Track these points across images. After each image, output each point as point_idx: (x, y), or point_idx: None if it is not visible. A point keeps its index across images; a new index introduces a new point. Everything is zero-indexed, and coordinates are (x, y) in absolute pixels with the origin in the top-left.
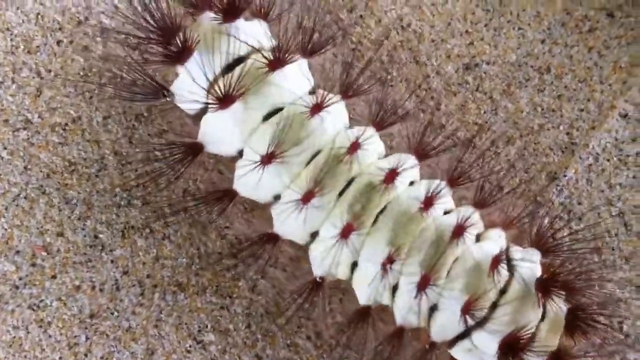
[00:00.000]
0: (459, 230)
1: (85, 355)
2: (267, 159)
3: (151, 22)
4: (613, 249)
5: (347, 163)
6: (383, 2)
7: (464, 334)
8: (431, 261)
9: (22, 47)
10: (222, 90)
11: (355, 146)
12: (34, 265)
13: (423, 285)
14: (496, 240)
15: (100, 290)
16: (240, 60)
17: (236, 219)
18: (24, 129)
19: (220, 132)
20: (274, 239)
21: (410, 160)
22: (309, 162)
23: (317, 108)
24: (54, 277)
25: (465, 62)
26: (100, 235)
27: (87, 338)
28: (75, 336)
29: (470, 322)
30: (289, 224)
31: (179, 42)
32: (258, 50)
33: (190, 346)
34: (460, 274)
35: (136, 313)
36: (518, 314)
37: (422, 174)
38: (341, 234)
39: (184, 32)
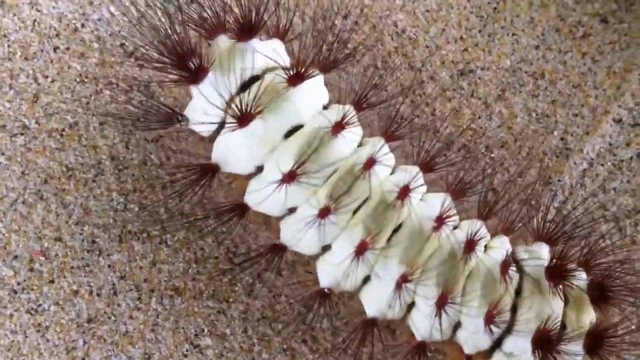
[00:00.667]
0: (470, 246)
1: (83, 359)
2: (289, 177)
3: (166, 46)
4: (607, 254)
5: (364, 179)
6: (378, 9)
7: (497, 343)
8: (446, 279)
9: (19, 53)
10: (240, 109)
11: (371, 162)
12: (32, 270)
13: (442, 303)
14: (501, 247)
15: (97, 294)
16: (256, 78)
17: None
18: (22, 134)
19: (237, 151)
20: (281, 249)
21: (420, 175)
22: (327, 179)
23: (339, 126)
24: (51, 281)
25: (460, 68)
26: (98, 240)
27: (84, 342)
28: (73, 340)
29: (497, 330)
30: (301, 237)
31: (193, 64)
32: (275, 67)
33: (187, 350)
34: (476, 288)
35: (133, 317)
36: (539, 309)
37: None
38: (356, 251)
39: (200, 53)
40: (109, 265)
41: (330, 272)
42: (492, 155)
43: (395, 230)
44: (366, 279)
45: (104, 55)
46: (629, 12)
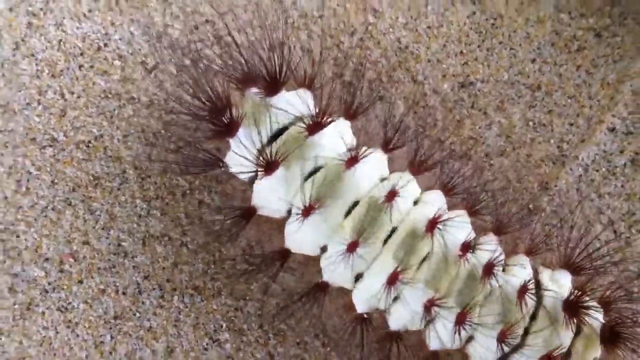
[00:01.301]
0: (488, 268)
1: (110, 353)
2: (306, 212)
3: (203, 101)
4: (603, 256)
5: (387, 212)
6: (382, 26)
7: (501, 357)
8: (466, 299)
9: (46, 71)
10: (266, 158)
11: (392, 195)
12: (62, 271)
13: (461, 321)
14: (522, 268)
15: (123, 293)
16: (285, 128)
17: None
18: (50, 146)
19: (269, 196)
20: (324, 287)
21: (445, 206)
22: (348, 213)
23: (353, 160)
24: (80, 282)
25: (460, 80)
26: (123, 243)
27: (111, 337)
28: (101, 335)
29: (506, 348)
30: (336, 272)
31: (226, 119)
32: (302, 117)
33: (207, 344)
34: (493, 308)
35: (157, 314)
36: (550, 337)
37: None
38: (388, 281)
39: (232, 109)
40: (134, 267)
41: (366, 300)
42: (492, 162)
43: (424, 259)
44: (397, 299)
45: (125, 72)
46: (621, 26)
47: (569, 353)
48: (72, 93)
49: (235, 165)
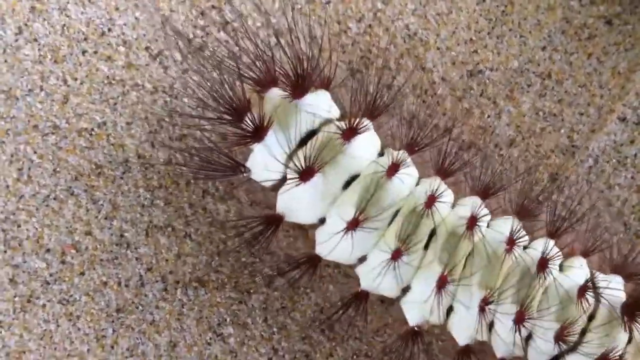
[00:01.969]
0: (543, 264)
1: (112, 347)
2: (352, 225)
3: (223, 103)
4: (612, 248)
5: (428, 216)
6: (390, 12)
7: (557, 357)
8: (522, 297)
9: (49, 56)
10: (302, 165)
11: (432, 200)
12: (63, 262)
13: (520, 320)
14: (579, 269)
15: (125, 285)
16: (312, 132)
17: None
18: (53, 133)
19: (300, 203)
20: (364, 297)
21: (483, 204)
22: (391, 222)
23: (393, 169)
24: (82, 273)
25: (470, 68)
26: (126, 234)
27: (113, 331)
28: (103, 329)
29: (564, 346)
30: (380, 282)
31: (250, 121)
32: (330, 120)
33: (210, 338)
34: (551, 306)
35: (160, 307)
36: (606, 338)
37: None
38: (437, 286)
39: (258, 112)
40: (137, 258)
41: (416, 311)
42: (501, 152)
43: (468, 258)
44: (451, 310)
45: (129, 58)
46: (633, 14)
47: (621, 357)
48: (75, 79)
49: (259, 171)
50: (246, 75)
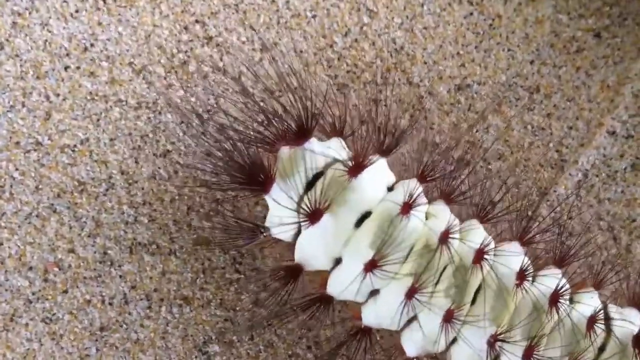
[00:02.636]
0: (554, 299)
1: None
2: (370, 267)
3: (240, 170)
4: (603, 263)
5: (440, 252)
6: (377, 26)
7: None
8: (532, 332)
9: (31, 72)
10: (309, 207)
11: (446, 236)
12: (46, 280)
13: (528, 356)
14: (590, 302)
15: (109, 304)
16: (319, 175)
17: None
18: (35, 150)
19: (315, 248)
20: (367, 332)
21: (490, 238)
22: (406, 259)
23: (407, 207)
24: (65, 291)
25: (457, 82)
26: (109, 252)
27: (97, 350)
28: (86, 348)
29: None
30: (384, 316)
31: (260, 177)
32: (336, 161)
33: (196, 357)
34: (560, 340)
35: (144, 326)
36: None
37: None
38: (444, 320)
39: (263, 165)
40: (120, 276)
41: (416, 343)
42: (489, 167)
43: (478, 292)
44: (455, 342)
45: (113, 73)
46: (621, 27)
47: None
48: (58, 95)
49: (276, 228)
50: (258, 142)
